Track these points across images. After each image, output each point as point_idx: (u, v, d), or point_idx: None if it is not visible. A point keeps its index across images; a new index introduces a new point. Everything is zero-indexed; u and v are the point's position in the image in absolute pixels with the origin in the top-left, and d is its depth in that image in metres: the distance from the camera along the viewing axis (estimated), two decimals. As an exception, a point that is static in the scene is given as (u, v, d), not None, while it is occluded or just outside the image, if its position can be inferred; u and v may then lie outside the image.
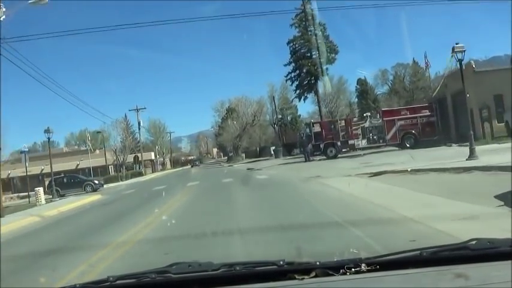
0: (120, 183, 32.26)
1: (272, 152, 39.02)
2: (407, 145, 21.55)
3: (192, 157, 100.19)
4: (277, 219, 5.91)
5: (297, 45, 39.45)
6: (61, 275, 3.99)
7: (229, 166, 36.62)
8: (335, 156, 21.97)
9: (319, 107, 40.50)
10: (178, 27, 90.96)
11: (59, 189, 24.59)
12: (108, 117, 50.28)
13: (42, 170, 48.97)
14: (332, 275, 1.32)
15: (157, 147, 64.61)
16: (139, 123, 47.69)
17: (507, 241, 1.39)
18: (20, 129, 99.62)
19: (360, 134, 22.72)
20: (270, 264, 1.38)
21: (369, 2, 36.14)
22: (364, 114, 25.14)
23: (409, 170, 9.65)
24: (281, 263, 1.36)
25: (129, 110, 47.28)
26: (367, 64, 75.57)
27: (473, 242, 1.39)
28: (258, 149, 50.49)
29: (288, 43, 39.89)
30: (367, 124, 22.98)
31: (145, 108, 47.49)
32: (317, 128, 23.20)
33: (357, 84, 51.68)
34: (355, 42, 58.62)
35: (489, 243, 1.39)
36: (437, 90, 24.35)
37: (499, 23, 45.54)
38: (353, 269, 1.33)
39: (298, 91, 41.31)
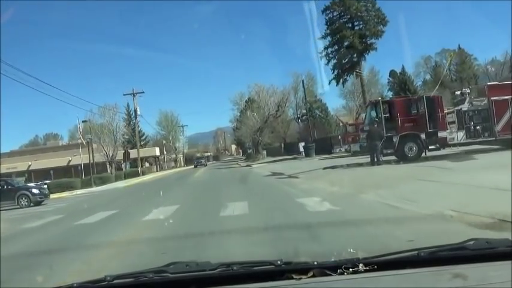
0: (90, 190, 26.12)
1: (301, 149, 35.53)
2: None
3: (208, 153, 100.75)
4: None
5: (335, 14, 32.98)
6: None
7: (247, 166, 32.59)
8: (417, 158, 14.78)
9: (363, 91, 34.00)
10: (178, 25, 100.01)
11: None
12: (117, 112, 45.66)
13: (30, 166, 45.62)
14: (330, 275, 1.45)
15: (164, 142, 63.72)
16: (135, 111, 42.61)
17: (505, 241, 1.51)
18: (22, 123, 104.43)
19: (454, 122, 15.48)
20: (268, 264, 1.50)
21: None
22: (458, 92, 17.02)
23: None
24: (279, 262, 1.48)
25: (124, 95, 42.74)
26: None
27: (471, 242, 1.51)
28: (282, 145, 48.43)
29: (324, 11, 35.29)
30: (465, 106, 15.58)
31: (143, 92, 42.48)
32: (386, 111, 15.60)
33: (390, 76, 50.62)
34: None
35: (487, 244, 1.51)
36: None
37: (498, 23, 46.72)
38: (351, 269, 1.45)
39: (336, 71, 35.11)
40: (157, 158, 57.45)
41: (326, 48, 34.78)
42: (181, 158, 72.20)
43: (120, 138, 45.15)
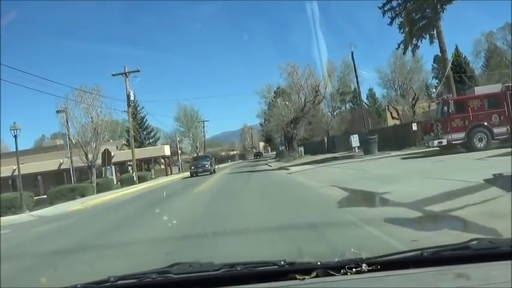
0: (11, 218, 18.13)
1: (354, 144, 33.63)
2: None
3: (234, 152, 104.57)
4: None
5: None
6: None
7: (280, 170, 28.13)
8: None
9: (444, 59, 31.15)
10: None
11: None
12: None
13: (14, 170, 47.49)
14: (333, 275, 1.79)
15: (178, 139, 66.57)
16: (128, 97, 38.90)
17: (508, 241, 1.85)
18: (29, 121, 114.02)
19: None
20: (271, 264, 1.86)
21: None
22: None
23: None
24: (282, 263, 1.84)
25: (113, 75, 38.41)
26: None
27: (474, 242, 1.85)
28: (325, 139, 48.95)
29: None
30: None
31: (138, 71, 38.75)
32: None
33: (434, 62, 52.92)
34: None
35: (490, 243, 1.87)
36: None
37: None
38: (354, 269, 1.78)
39: (406, 31, 31.64)
40: (168, 158, 57.75)
41: (389, 1, 30.86)
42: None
43: (124, 134, 44.67)
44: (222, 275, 1.84)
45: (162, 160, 59.47)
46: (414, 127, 28.73)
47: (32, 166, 45.02)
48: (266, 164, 42.74)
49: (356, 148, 32.83)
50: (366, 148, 28.64)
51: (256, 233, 7.06)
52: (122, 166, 47.74)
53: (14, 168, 45.99)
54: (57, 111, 34.97)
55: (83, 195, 26.86)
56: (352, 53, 33.83)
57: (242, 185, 19.36)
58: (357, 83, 36.48)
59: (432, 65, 52.49)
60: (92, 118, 34.59)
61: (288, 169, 26.26)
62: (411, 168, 15.27)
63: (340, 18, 75.05)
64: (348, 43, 43.99)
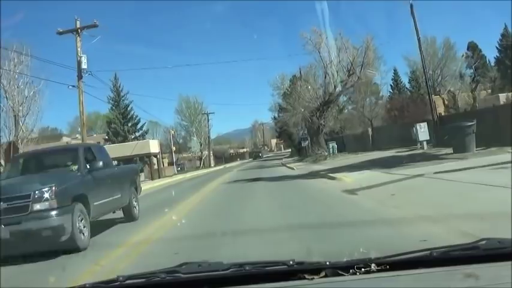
0: None
1: (422, 137, 30.39)
2: None
3: (244, 150, 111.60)
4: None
5: None
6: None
7: (315, 178, 21.66)
8: None
9: None
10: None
11: None
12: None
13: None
14: (342, 275, 2.20)
15: (173, 132, 70.82)
16: (79, 64, 32.17)
17: None
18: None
19: None
20: (280, 264, 2.28)
21: None
22: None
23: None
24: (291, 262, 2.25)
25: (58, 33, 32.58)
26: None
27: (484, 242, 2.27)
28: (369, 131, 47.49)
29: None
30: None
31: (96, 26, 32.99)
32: None
33: (468, 49, 56.88)
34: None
35: (499, 243, 2.28)
36: None
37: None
38: (363, 269, 2.20)
39: None
40: (156, 156, 54.85)
41: None
42: (208, 155, 77.21)
43: (105, 128, 41.72)
44: (231, 275, 2.26)
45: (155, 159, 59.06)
46: None
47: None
48: (284, 165, 40.92)
49: (424, 143, 29.94)
50: (458, 142, 22.58)
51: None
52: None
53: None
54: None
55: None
56: (411, 5, 31.28)
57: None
58: (419, 49, 32.95)
59: (465, 53, 54.35)
60: (6, 92, 27.46)
61: (332, 177, 19.47)
62: None
63: (351, 17, 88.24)
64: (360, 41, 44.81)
